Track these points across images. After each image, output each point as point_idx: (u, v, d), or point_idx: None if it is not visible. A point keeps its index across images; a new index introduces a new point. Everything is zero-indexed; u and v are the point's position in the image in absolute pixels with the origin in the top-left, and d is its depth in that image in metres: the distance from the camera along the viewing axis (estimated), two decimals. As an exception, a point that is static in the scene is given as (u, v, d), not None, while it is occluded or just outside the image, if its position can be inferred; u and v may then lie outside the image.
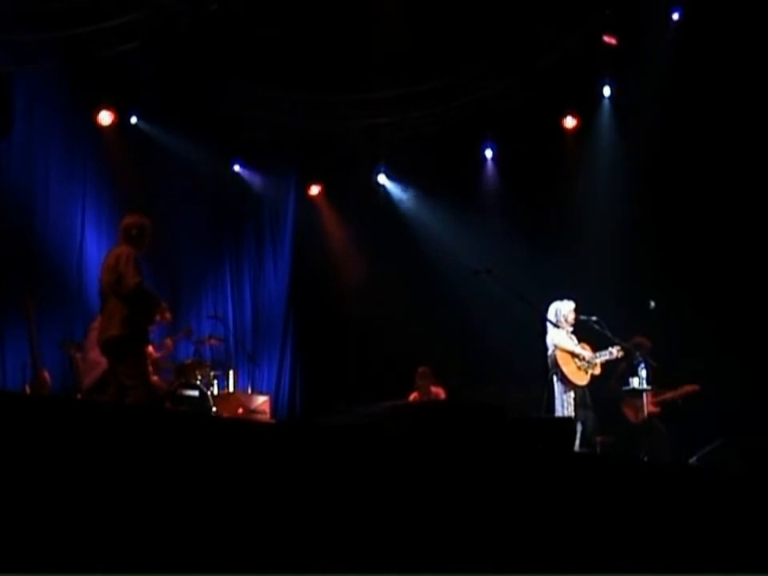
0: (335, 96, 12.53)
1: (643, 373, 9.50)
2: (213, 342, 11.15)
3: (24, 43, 10.11)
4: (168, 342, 10.25)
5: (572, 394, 8.94)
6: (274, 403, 11.62)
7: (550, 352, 9.03)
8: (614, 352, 9.16)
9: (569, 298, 9.32)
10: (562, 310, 9.22)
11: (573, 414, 8.80)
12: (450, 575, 3.69)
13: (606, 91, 12.15)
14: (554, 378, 8.99)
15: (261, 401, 10.70)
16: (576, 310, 9.25)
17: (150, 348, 9.25)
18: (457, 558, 3.76)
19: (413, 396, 10.60)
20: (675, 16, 11.35)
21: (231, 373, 11.04)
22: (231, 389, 10.94)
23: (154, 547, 3.28)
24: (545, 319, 9.10)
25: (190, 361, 10.49)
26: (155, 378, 9.41)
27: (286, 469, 3.74)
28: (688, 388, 10.02)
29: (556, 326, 9.12)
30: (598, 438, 9.32)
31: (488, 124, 12.52)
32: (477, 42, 11.57)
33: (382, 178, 13.36)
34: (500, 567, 3.80)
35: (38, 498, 3.14)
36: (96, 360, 8.44)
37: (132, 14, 10.26)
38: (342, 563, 3.50)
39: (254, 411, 10.46)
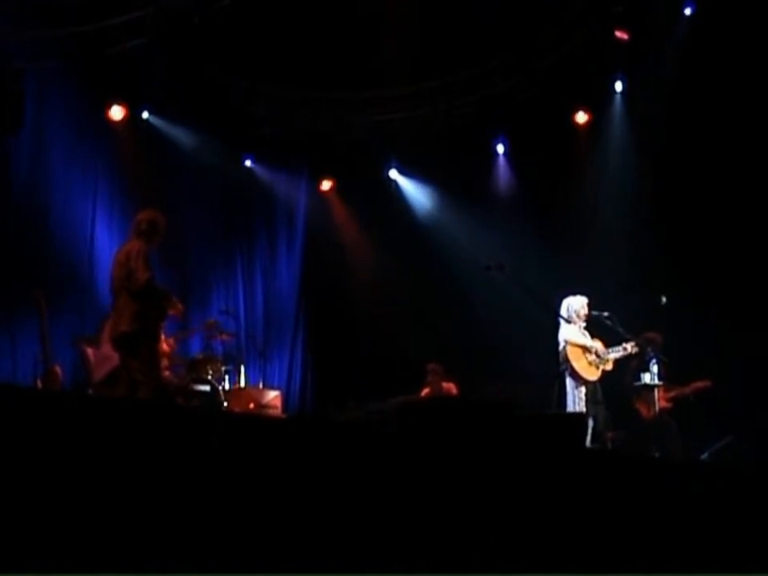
0: (345, 93, 12.52)
1: (655, 368, 9.46)
2: (224, 337, 11.14)
3: (34, 40, 10.12)
4: (178, 335, 10.27)
5: (583, 389, 8.93)
6: (286, 398, 11.63)
7: (560, 347, 9.02)
8: (628, 348, 9.14)
9: (581, 294, 9.30)
10: (574, 305, 9.19)
11: (584, 409, 8.79)
12: (458, 575, 3.68)
13: (618, 86, 12.11)
14: (565, 374, 8.98)
15: (272, 396, 10.68)
16: (588, 306, 9.23)
17: (165, 346, 9.26)
18: (465, 556, 3.76)
19: (424, 392, 10.61)
20: (688, 11, 11.30)
21: (242, 368, 11.02)
22: (242, 384, 10.91)
23: (165, 542, 3.29)
24: (557, 315, 9.09)
25: (201, 356, 10.48)
26: (167, 373, 9.42)
27: (297, 464, 3.74)
28: (699, 384, 10.00)
29: (567, 321, 9.10)
30: (609, 434, 9.30)
31: (499, 120, 12.50)
32: (487, 37, 11.54)
33: (393, 173, 13.35)
34: (509, 566, 3.79)
35: (47, 493, 3.15)
36: (108, 354, 8.46)
37: (139, 10, 10.28)
38: (348, 560, 3.50)
39: (266, 406, 10.44)
